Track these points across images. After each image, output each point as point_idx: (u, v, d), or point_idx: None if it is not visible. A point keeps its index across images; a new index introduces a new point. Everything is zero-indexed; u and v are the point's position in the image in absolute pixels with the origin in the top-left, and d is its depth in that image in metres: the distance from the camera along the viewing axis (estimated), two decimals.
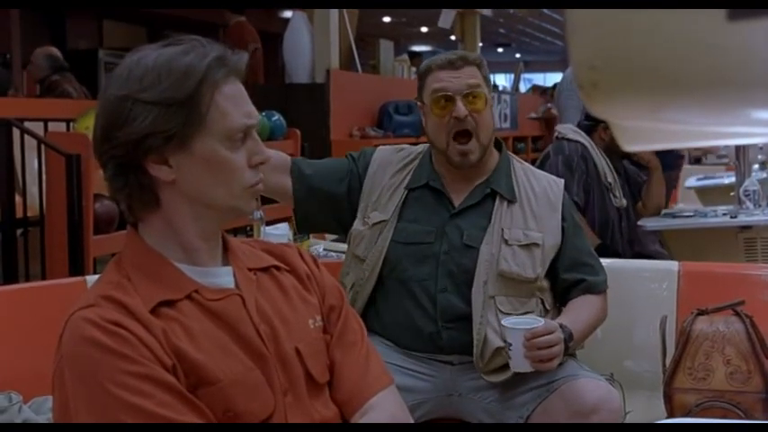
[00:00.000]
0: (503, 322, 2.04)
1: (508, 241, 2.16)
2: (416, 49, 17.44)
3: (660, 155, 4.22)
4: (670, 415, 2.07)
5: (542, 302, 2.19)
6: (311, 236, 3.28)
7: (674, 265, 2.56)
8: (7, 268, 3.98)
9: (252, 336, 1.35)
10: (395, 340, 2.22)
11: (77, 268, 3.48)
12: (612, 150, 3.73)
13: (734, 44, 0.48)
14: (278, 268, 1.48)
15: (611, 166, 3.70)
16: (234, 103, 1.33)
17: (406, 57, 8.24)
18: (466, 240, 2.19)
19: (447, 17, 8.07)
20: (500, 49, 23.50)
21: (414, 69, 8.12)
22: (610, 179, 3.66)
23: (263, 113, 4.51)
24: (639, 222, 4.12)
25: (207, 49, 1.32)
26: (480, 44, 9.38)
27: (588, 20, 0.52)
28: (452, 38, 9.75)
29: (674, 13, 0.49)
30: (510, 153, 2.37)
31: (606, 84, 0.53)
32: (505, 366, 2.08)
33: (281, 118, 4.73)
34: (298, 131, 4.86)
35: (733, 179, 4.71)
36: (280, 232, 3.10)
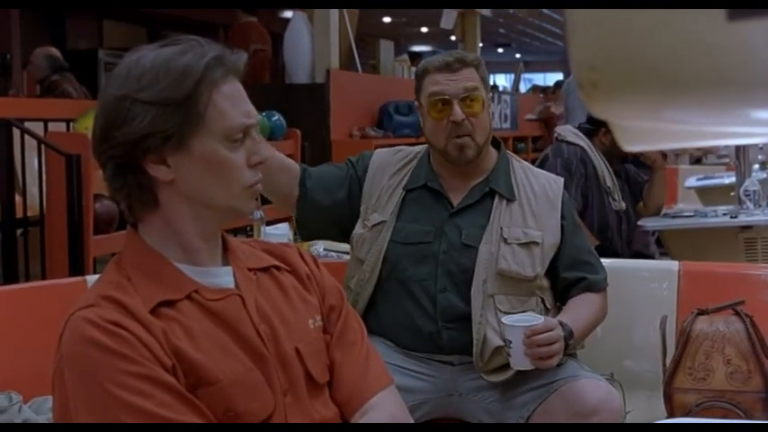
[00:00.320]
0: (502, 320, 2.04)
1: (507, 240, 2.16)
2: (416, 49, 17.44)
3: None
4: (670, 415, 2.07)
5: (542, 301, 2.19)
6: None
7: (674, 264, 2.56)
8: (7, 268, 3.98)
9: (252, 336, 1.35)
10: (395, 340, 2.22)
11: (77, 268, 3.48)
12: (612, 154, 3.73)
13: (734, 44, 0.48)
14: (278, 268, 1.48)
15: (610, 169, 3.71)
16: (232, 103, 1.33)
17: (406, 57, 8.25)
18: (465, 239, 2.19)
19: (449, 18, 8.08)
20: (500, 49, 23.50)
21: (414, 69, 8.11)
22: (609, 183, 3.67)
23: (263, 113, 4.51)
24: (639, 222, 4.12)
25: (205, 48, 1.32)
26: (480, 44, 9.38)
27: (588, 20, 0.52)
28: (452, 38, 9.75)
29: (673, 13, 0.49)
30: (509, 152, 2.37)
31: (606, 84, 0.53)
32: (505, 366, 2.08)
33: (281, 118, 4.73)
34: (298, 131, 4.86)
35: (733, 179, 4.71)
36: (280, 232, 3.10)
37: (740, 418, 2.01)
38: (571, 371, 2.08)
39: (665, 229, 4.26)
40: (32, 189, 4.08)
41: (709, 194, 5.88)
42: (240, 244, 1.48)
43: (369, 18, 11.82)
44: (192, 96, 1.29)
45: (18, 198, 4.10)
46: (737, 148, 4.49)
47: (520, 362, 2.01)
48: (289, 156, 4.89)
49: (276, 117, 4.68)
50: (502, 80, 22.43)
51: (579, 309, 2.19)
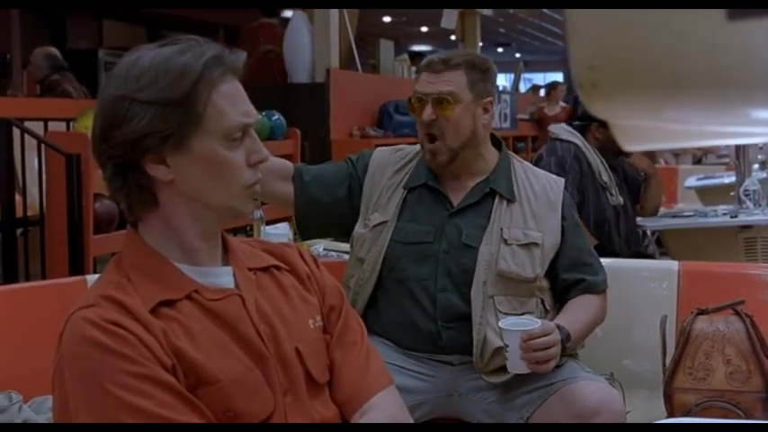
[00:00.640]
0: (500, 324, 2.04)
1: (507, 241, 2.16)
2: (416, 48, 17.44)
3: None
4: (670, 414, 2.07)
5: (542, 302, 2.19)
6: None
7: (674, 264, 2.56)
8: (7, 268, 3.98)
9: (252, 336, 1.35)
10: (395, 340, 2.22)
11: (77, 268, 3.48)
12: (607, 149, 3.73)
13: (734, 44, 0.48)
14: (278, 268, 1.48)
15: (605, 164, 3.70)
16: (231, 102, 1.33)
17: (406, 57, 8.23)
18: (465, 240, 2.19)
19: (450, 17, 8.07)
20: (500, 49, 23.51)
21: (414, 69, 8.11)
22: (605, 178, 3.66)
23: (264, 113, 4.51)
24: (639, 222, 4.12)
25: (203, 48, 1.32)
26: (480, 44, 9.37)
27: (588, 20, 0.52)
28: (453, 38, 9.75)
29: (673, 13, 0.49)
30: (510, 152, 2.37)
31: (606, 83, 0.53)
32: (505, 367, 2.08)
33: (281, 118, 4.72)
34: (298, 131, 4.86)
35: (733, 179, 4.72)
36: (280, 232, 3.10)
37: (740, 417, 2.01)
38: (571, 372, 2.07)
39: (664, 229, 4.26)
40: (32, 189, 4.08)
41: (709, 194, 5.89)
42: (240, 244, 1.48)
43: (369, 18, 11.82)
44: (190, 96, 1.29)
45: (18, 198, 4.10)
46: (737, 147, 4.50)
47: (516, 365, 2.01)
48: (288, 156, 4.89)
49: (276, 117, 4.68)
50: (502, 80, 22.42)
51: (577, 311, 2.18)
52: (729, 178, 5.48)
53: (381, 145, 2.47)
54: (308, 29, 5.68)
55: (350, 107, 5.84)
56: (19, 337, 2.05)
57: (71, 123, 4.32)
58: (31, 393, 1.93)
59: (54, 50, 6.47)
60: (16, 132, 3.99)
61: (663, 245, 4.42)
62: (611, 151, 3.77)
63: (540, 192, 2.25)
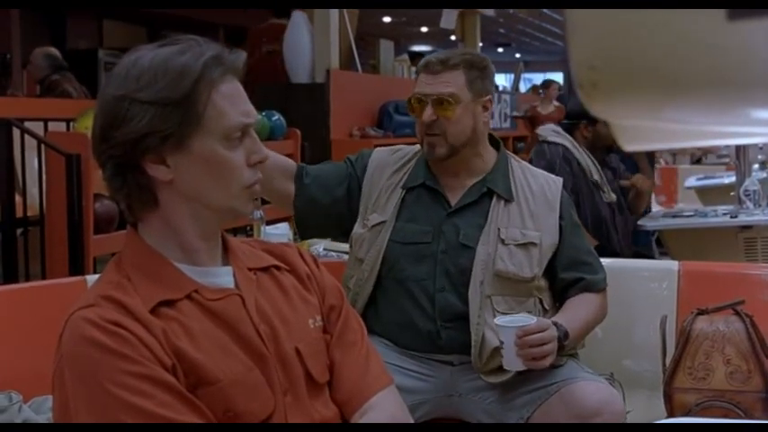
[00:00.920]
0: (495, 320, 2.04)
1: (505, 241, 2.16)
2: (416, 49, 17.44)
3: None
4: (670, 414, 2.07)
5: (541, 302, 2.19)
6: None
7: (674, 264, 2.56)
8: (7, 268, 3.98)
9: (252, 336, 1.35)
10: (394, 340, 2.22)
11: (77, 268, 3.48)
12: (596, 146, 3.74)
13: (734, 44, 0.48)
14: (278, 268, 1.48)
15: (596, 163, 3.70)
16: (231, 102, 1.33)
17: (406, 57, 8.23)
18: (462, 240, 2.19)
19: (449, 17, 8.07)
20: (500, 49, 23.51)
21: (414, 69, 8.10)
22: (596, 177, 3.66)
23: (264, 113, 4.51)
24: (639, 222, 4.12)
25: (203, 48, 1.32)
26: (480, 44, 9.37)
27: (588, 20, 0.52)
28: (453, 38, 9.75)
29: (673, 13, 0.49)
30: (508, 152, 2.37)
31: (606, 84, 0.53)
32: (504, 367, 2.08)
33: (281, 118, 4.73)
34: (298, 131, 4.86)
35: (733, 179, 4.72)
36: (280, 232, 3.10)
37: (740, 417, 2.01)
38: (571, 372, 2.07)
39: (664, 229, 4.26)
40: (32, 189, 4.08)
41: (709, 194, 5.89)
42: (240, 244, 1.48)
43: (369, 18, 11.82)
44: (190, 96, 1.29)
45: (18, 198, 4.10)
46: (737, 147, 4.50)
47: (512, 362, 2.00)
48: (288, 156, 4.90)
49: (276, 117, 4.68)
50: (502, 80, 22.40)
51: (576, 309, 2.18)
52: (729, 178, 5.48)
53: (381, 145, 2.47)
54: (308, 29, 5.68)
55: (350, 107, 5.84)
56: (19, 337, 2.05)
57: (71, 123, 4.32)
58: (31, 393, 1.93)
59: (54, 50, 6.47)
60: (16, 132, 3.99)
61: (663, 245, 4.42)
62: (601, 148, 3.77)
63: (537, 191, 2.25)
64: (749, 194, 4.22)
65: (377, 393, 1.45)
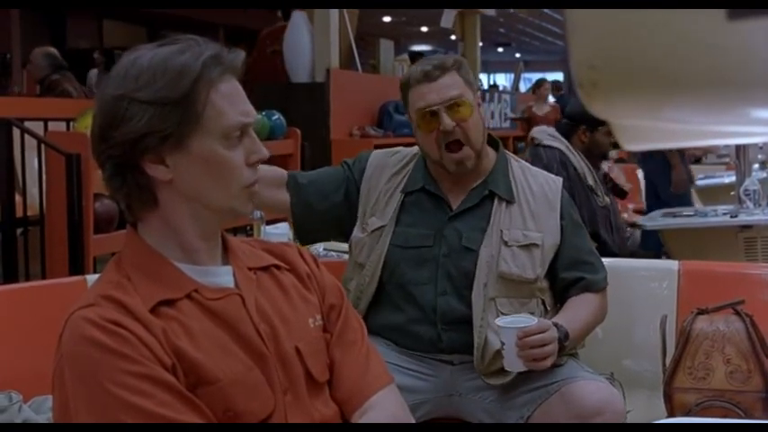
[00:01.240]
0: (496, 321, 2.04)
1: (507, 242, 2.16)
2: (416, 48, 17.44)
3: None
4: (670, 414, 2.07)
5: (543, 303, 2.19)
6: None
7: (674, 264, 2.56)
8: (7, 268, 3.98)
9: (252, 335, 1.35)
10: (395, 342, 2.22)
11: (77, 268, 3.48)
12: (592, 152, 3.75)
13: (734, 44, 0.48)
14: (278, 267, 1.48)
15: (590, 167, 3.71)
16: (230, 102, 1.33)
17: (406, 56, 8.22)
18: (465, 243, 2.18)
19: (449, 17, 8.08)
20: (500, 49, 23.51)
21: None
22: (591, 181, 3.67)
23: (264, 113, 4.51)
24: (640, 222, 4.13)
25: (202, 47, 1.32)
26: (480, 44, 9.38)
27: (588, 20, 0.52)
28: (452, 37, 9.75)
29: (673, 13, 0.49)
30: (507, 152, 2.36)
31: (606, 83, 0.53)
32: (505, 369, 2.07)
33: (281, 117, 4.73)
34: (298, 131, 4.86)
35: (733, 178, 4.72)
36: (280, 231, 3.10)
37: (740, 417, 2.01)
38: (571, 371, 2.07)
39: (665, 229, 4.26)
40: (32, 189, 4.08)
41: (709, 194, 5.89)
42: (240, 243, 1.48)
43: (369, 18, 11.82)
44: (189, 95, 1.29)
45: (18, 198, 4.10)
46: (737, 147, 4.50)
47: (513, 363, 2.00)
48: (288, 156, 4.88)
49: (276, 117, 4.68)
50: (502, 80, 22.41)
51: (577, 309, 2.18)
52: (729, 178, 5.48)
53: (381, 145, 2.47)
54: (308, 29, 5.68)
55: (350, 107, 5.84)
56: (19, 337, 2.06)
57: (71, 123, 4.32)
58: (31, 393, 1.93)
59: (53, 50, 6.47)
60: (16, 132, 4.00)
61: (663, 245, 4.42)
62: (596, 155, 3.78)
63: (538, 192, 2.24)
64: (749, 194, 4.22)
65: (377, 392, 1.45)
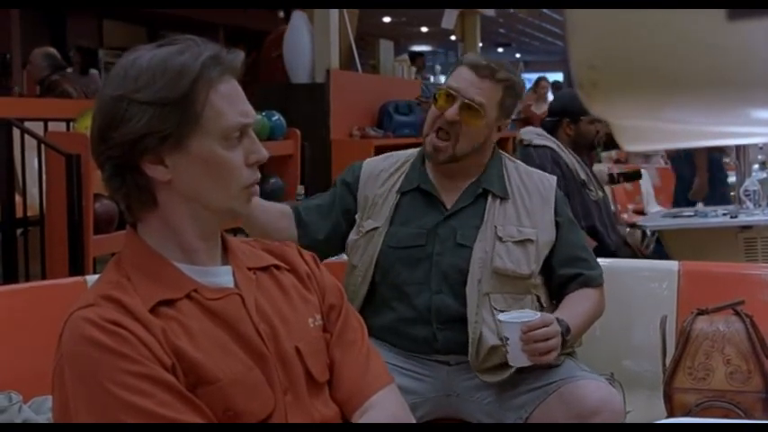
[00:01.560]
0: (499, 317, 2.04)
1: (502, 238, 2.17)
2: (416, 49, 17.44)
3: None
4: (670, 414, 2.07)
5: (537, 299, 2.19)
6: None
7: (674, 264, 2.56)
8: (7, 268, 3.98)
9: (251, 335, 1.35)
10: (390, 343, 2.22)
11: (77, 268, 3.48)
12: (579, 144, 3.72)
13: (734, 44, 0.48)
14: (278, 267, 1.48)
15: (581, 161, 3.69)
16: (229, 102, 1.33)
17: (406, 57, 8.23)
18: (459, 240, 2.19)
19: (450, 17, 8.08)
20: (500, 49, 23.51)
21: (414, 69, 8.11)
22: (583, 176, 3.65)
23: (264, 113, 4.51)
24: (640, 222, 4.13)
25: (201, 48, 1.32)
26: (480, 44, 9.38)
27: (588, 20, 0.52)
28: (453, 38, 9.75)
29: (673, 13, 0.49)
30: (501, 151, 2.37)
31: (606, 83, 0.53)
32: (501, 366, 2.08)
33: (281, 118, 4.73)
34: (298, 131, 4.86)
35: (733, 179, 4.72)
36: None
37: (740, 417, 2.00)
38: (570, 371, 2.07)
39: (665, 229, 4.26)
40: (32, 189, 4.08)
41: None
42: (240, 243, 1.48)
43: (369, 18, 11.82)
44: (188, 96, 1.29)
45: (18, 198, 4.10)
46: (737, 147, 4.50)
47: (517, 358, 2.01)
48: (288, 156, 4.89)
49: (276, 117, 4.68)
50: None
51: (576, 305, 2.19)
52: (729, 178, 5.48)
53: (381, 145, 2.48)
54: (308, 29, 5.68)
55: (350, 107, 5.84)
56: (19, 337, 2.05)
57: (71, 123, 4.32)
58: (31, 393, 1.93)
59: (53, 50, 6.48)
60: (16, 132, 4.00)
61: (663, 245, 4.42)
62: (584, 146, 3.76)
63: (532, 189, 2.25)
64: (749, 194, 4.22)
65: (377, 392, 1.45)
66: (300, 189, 4.24)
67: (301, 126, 4.95)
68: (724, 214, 4.19)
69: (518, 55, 23.96)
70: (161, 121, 1.28)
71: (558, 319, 2.04)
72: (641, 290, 2.54)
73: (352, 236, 2.27)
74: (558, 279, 2.23)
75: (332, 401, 1.44)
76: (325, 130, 5.52)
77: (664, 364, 2.14)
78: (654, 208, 6.36)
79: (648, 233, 4.51)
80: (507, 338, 2.00)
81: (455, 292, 2.16)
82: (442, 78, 5.53)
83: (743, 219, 4.05)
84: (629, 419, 2.16)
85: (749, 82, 0.49)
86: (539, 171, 2.37)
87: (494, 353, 2.07)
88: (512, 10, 14.96)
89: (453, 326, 2.15)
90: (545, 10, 15.65)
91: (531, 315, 2.02)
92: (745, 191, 4.23)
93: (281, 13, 7.66)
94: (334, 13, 5.79)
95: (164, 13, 12.78)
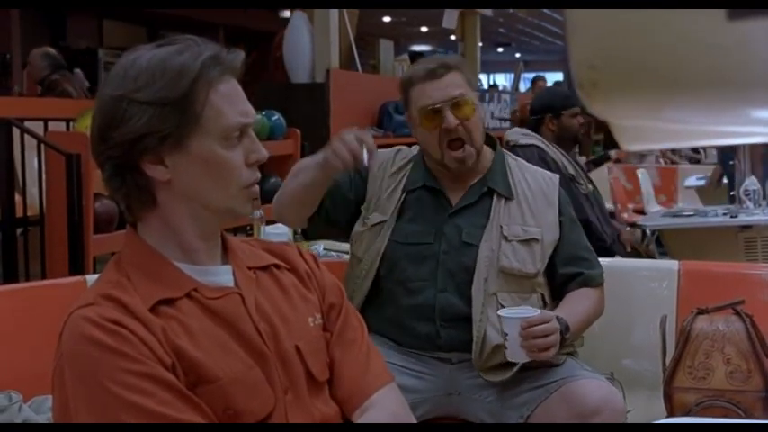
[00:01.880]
0: (499, 312, 2.05)
1: (507, 237, 2.17)
2: (416, 48, 17.43)
3: None
4: (670, 414, 2.07)
5: (543, 298, 2.20)
6: None
7: (674, 264, 2.56)
8: (7, 268, 3.98)
9: (251, 334, 1.35)
10: (392, 339, 2.22)
11: (77, 267, 3.48)
12: (563, 138, 3.72)
13: (734, 44, 0.48)
14: (278, 267, 1.48)
15: (567, 156, 3.69)
16: (229, 102, 1.33)
17: (406, 57, 8.22)
18: (465, 238, 2.20)
19: (451, 17, 8.08)
20: (500, 49, 23.50)
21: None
22: (571, 170, 3.64)
23: (263, 113, 4.51)
24: (640, 222, 4.13)
25: (201, 48, 1.32)
26: (480, 44, 9.38)
27: (588, 20, 0.52)
28: (452, 38, 9.75)
29: (673, 13, 0.49)
30: (504, 150, 2.38)
31: (606, 83, 0.53)
32: (504, 365, 2.08)
33: (281, 117, 4.73)
34: (298, 131, 4.86)
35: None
36: (279, 231, 3.10)
37: (740, 417, 2.01)
38: (571, 370, 2.08)
39: (665, 229, 4.26)
40: (32, 189, 4.08)
41: (709, 194, 5.89)
42: (240, 243, 1.48)
43: (369, 18, 11.82)
44: (188, 96, 1.29)
45: (18, 198, 4.10)
46: (737, 147, 4.50)
47: (516, 354, 2.01)
48: (288, 156, 4.89)
49: (276, 117, 4.68)
50: (502, 80, 22.40)
51: (576, 303, 2.19)
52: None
53: (381, 145, 2.47)
54: (308, 29, 5.68)
55: (350, 107, 5.83)
56: (19, 337, 2.05)
57: (71, 123, 4.32)
58: (31, 393, 1.93)
59: (52, 50, 6.47)
60: (16, 132, 4.00)
61: (663, 245, 4.42)
62: (568, 140, 3.76)
63: (536, 189, 2.27)
64: (749, 194, 4.22)
65: (377, 391, 1.45)
66: None
67: (301, 126, 4.95)
68: (724, 214, 4.19)
69: (518, 55, 23.94)
70: (161, 120, 1.28)
71: (557, 317, 2.04)
72: (641, 289, 2.54)
73: (358, 227, 2.27)
74: (559, 278, 2.24)
75: (332, 400, 1.44)
76: (325, 130, 5.52)
77: (664, 364, 2.14)
78: (654, 207, 6.36)
79: (648, 233, 4.51)
80: (506, 333, 2.01)
81: (460, 291, 2.16)
82: None
83: (743, 218, 4.05)
84: (630, 419, 2.16)
85: (749, 82, 0.49)
86: (541, 170, 2.38)
87: (497, 352, 2.08)
88: (512, 10, 14.96)
89: (457, 324, 2.15)
90: (545, 10, 15.65)
91: (530, 311, 2.03)
92: (746, 190, 4.23)
93: (288, 13, 7.64)
94: (334, 13, 5.79)
95: (164, 13, 12.77)
